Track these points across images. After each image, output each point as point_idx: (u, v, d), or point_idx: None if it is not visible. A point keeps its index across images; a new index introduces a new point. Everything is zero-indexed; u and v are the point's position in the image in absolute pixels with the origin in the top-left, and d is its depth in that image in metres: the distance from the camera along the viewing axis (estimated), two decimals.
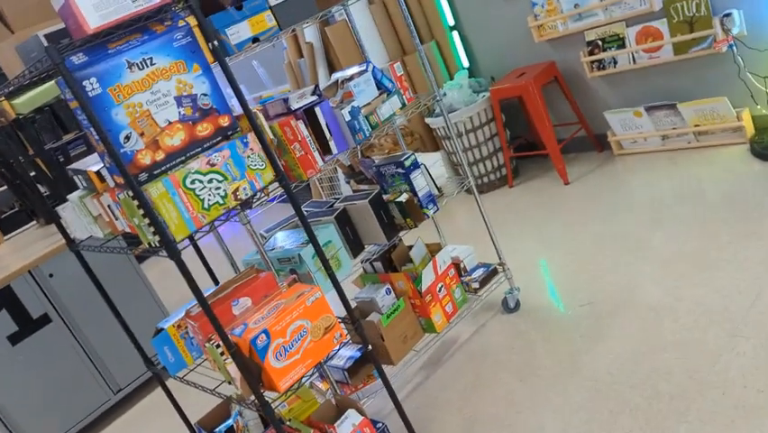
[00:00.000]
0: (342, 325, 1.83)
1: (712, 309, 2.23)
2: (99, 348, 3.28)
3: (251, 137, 1.60)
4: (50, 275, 3.18)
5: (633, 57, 3.40)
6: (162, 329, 1.97)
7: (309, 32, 4.48)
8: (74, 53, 1.37)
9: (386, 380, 1.95)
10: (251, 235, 2.06)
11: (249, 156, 1.59)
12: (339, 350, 1.78)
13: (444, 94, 3.90)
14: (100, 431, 3.28)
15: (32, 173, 3.77)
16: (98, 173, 1.72)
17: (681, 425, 1.85)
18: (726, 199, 2.83)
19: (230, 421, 2.24)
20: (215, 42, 1.56)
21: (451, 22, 4.09)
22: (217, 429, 2.25)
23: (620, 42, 3.41)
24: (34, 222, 5.12)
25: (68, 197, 1.92)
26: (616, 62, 3.48)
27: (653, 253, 2.69)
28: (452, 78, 4.14)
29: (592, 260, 2.84)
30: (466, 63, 4.17)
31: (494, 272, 2.71)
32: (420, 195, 2.39)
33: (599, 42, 3.49)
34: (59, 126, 4.31)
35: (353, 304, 2.59)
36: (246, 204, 1.93)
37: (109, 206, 1.73)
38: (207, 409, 2.27)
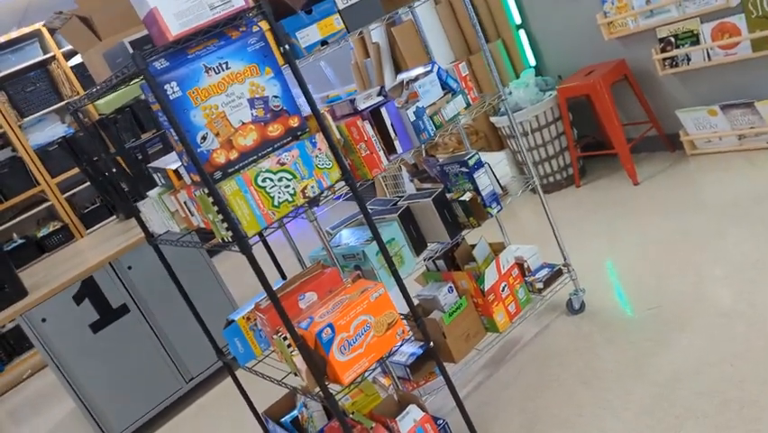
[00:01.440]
0: (405, 321, 1.87)
1: None
2: (173, 338, 3.44)
3: (319, 137, 1.66)
4: (129, 267, 3.35)
5: (708, 54, 3.29)
6: (233, 321, 2.06)
7: (376, 33, 4.54)
8: (156, 59, 1.46)
9: (447, 377, 1.97)
10: (318, 232, 2.13)
11: (317, 156, 1.65)
12: (401, 346, 1.82)
13: (510, 93, 3.88)
14: (172, 418, 3.43)
15: (113, 170, 3.98)
16: (176, 171, 1.81)
17: None
18: None
19: (295, 412, 2.31)
20: (286, 46, 1.62)
21: (518, 20, 4.07)
22: (283, 419, 2.33)
23: (694, 39, 3.31)
24: (114, 217, 5.40)
25: (147, 193, 2.03)
26: (689, 59, 3.38)
27: (725, 256, 2.61)
28: (518, 77, 4.11)
29: (661, 262, 2.78)
30: (533, 62, 4.13)
31: (558, 273, 2.69)
32: (483, 194, 2.40)
33: (672, 39, 3.39)
34: (137, 126, 4.53)
35: (416, 301, 2.62)
36: (313, 201, 2.00)
37: (185, 202, 1.83)
38: (274, 399, 2.36)
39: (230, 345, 2.04)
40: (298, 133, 1.67)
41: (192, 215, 1.85)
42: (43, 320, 3.13)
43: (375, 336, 1.73)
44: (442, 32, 4.22)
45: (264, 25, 1.63)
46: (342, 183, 1.79)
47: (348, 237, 2.34)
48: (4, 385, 5.07)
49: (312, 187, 1.65)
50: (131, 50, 1.63)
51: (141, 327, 3.37)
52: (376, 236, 1.81)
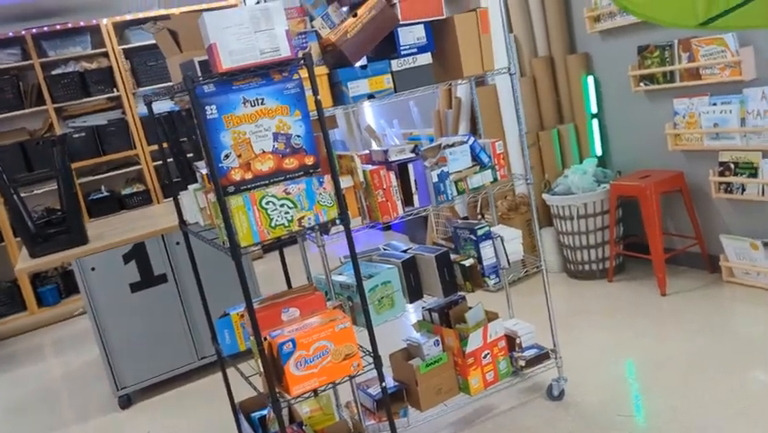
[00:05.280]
0: (366, 357, 2.07)
1: None
2: (198, 316, 3.76)
3: (327, 179, 1.90)
4: (177, 243, 3.72)
5: (763, 189, 3.31)
6: (228, 314, 2.32)
7: (462, 88, 4.78)
8: (205, 83, 1.76)
9: (393, 427, 2.15)
10: (322, 258, 2.36)
11: (320, 193, 1.89)
12: (360, 378, 2.01)
13: (566, 176, 4.00)
14: (177, 388, 3.75)
15: (191, 155, 4.41)
16: (209, 175, 2.10)
17: None
18: None
19: (264, 411, 2.54)
20: (319, 97, 1.88)
21: (594, 109, 4.19)
22: (253, 415, 2.56)
23: (753, 171, 3.33)
24: None
25: (188, 186, 2.34)
26: (744, 189, 3.39)
27: (727, 395, 2.61)
28: (581, 162, 4.22)
29: (654, 377, 2.82)
30: (599, 152, 4.23)
31: (545, 356, 2.79)
32: (485, 264, 2.56)
33: (732, 166, 3.43)
34: None
35: (404, 345, 2.80)
36: (324, 229, 2.24)
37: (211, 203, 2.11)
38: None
39: (219, 334, 2.30)
40: (311, 171, 1.92)
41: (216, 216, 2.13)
42: (93, 269, 3.53)
43: (331, 361, 1.94)
44: (521, 104, 4.39)
45: (304, 73, 1.90)
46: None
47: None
48: (55, 316, 5.62)
49: (309, 218, 1.89)
50: (198, 68, 1.93)
51: (172, 299, 3.72)
52: (357, 276, 2.03)
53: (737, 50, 3.21)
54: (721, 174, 3.49)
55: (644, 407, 2.62)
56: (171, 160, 4.54)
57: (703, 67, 3.39)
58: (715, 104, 3.40)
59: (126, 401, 3.64)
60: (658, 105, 3.77)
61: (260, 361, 1.94)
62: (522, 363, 2.75)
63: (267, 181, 1.86)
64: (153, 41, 6.02)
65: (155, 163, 6.09)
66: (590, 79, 4.13)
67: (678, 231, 3.90)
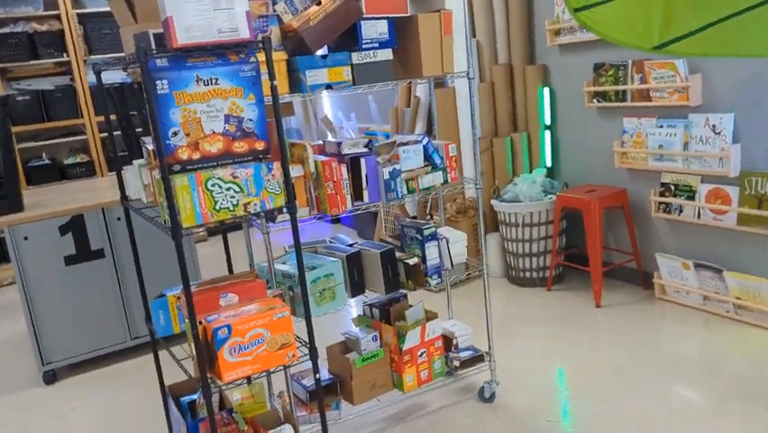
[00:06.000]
0: (302, 348, 2.05)
1: None
2: (133, 295, 3.67)
3: (276, 166, 1.88)
4: (118, 219, 3.61)
5: (699, 211, 3.43)
6: (164, 295, 2.27)
7: (421, 88, 4.80)
8: (158, 57, 1.71)
9: (323, 420, 2.14)
10: (266, 246, 2.34)
11: (269, 180, 1.87)
12: (293, 367, 2.00)
13: (515, 184, 4.07)
14: (106, 366, 3.65)
15: (139, 129, 4.29)
16: (155, 152, 2.05)
17: None
18: (739, 384, 2.81)
19: (194, 396, 2.50)
20: (275, 82, 1.85)
21: (548, 121, 4.27)
22: (183, 399, 2.52)
23: (691, 194, 3.46)
24: None
25: (133, 161, 2.28)
26: (681, 210, 3.52)
27: (649, 407, 2.70)
28: (531, 172, 4.30)
29: (584, 386, 2.90)
30: (549, 163, 4.32)
31: (480, 358, 2.83)
32: (428, 264, 2.58)
33: (672, 187, 3.55)
34: None
35: (342, 338, 2.80)
36: (270, 217, 2.22)
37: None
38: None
39: (154, 315, 2.25)
40: (261, 156, 1.89)
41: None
42: (26, 238, 3.40)
43: (266, 350, 1.92)
44: (477, 109, 4.45)
45: (261, 57, 1.87)
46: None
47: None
48: None
49: (255, 204, 1.87)
50: (152, 41, 1.88)
51: (108, 275, 3.61)
52: (300, 268, 2.01)
53: (687, 76, 3.32)
54: (662, 194, 3.61)
55: (571, 413, 2.69)
56: (119, 133, 4.42)
57: (654, 89, 3.50)
58: (662, 126, 3.51)
59: (51, 377, 3.52)
60: (608, 123, 3.87)
61: (193, 345, 1.90)
62: (457, 363, 2.78)
63: (214, 163, 1.83)
64: (108, 8, 5.83)
65: (102, 135, 5.91)
66: (546, 91, 4.20)
67: (617, 246, 4.02)
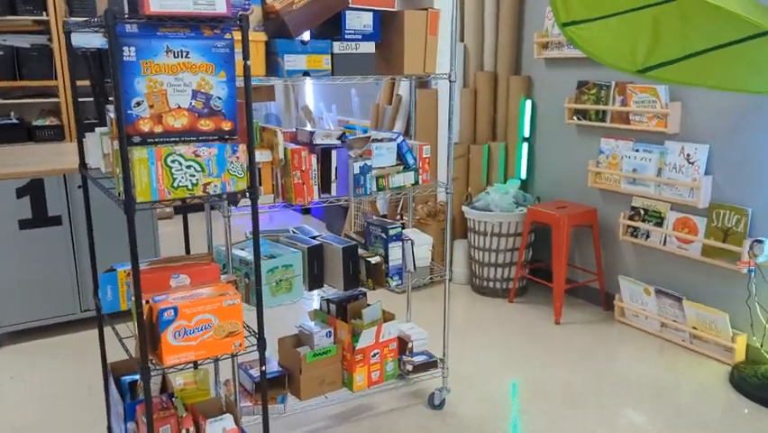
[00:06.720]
0: (251, 338, 1.99)
1: None
2: (87, 267, 3.57)
3: (242, 148, 1.81)
4: (79, 186, 3.50)
5: (665, 238, 3.45)
6: (114, 269, 2.19)
7: (404, 86, 4.75)
8: (128, 22, 1.64)
9: (266, 413, 2.08)
10: (225, 230, 2.27)
11: (232, 162, 1.81)
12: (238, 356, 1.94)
13: (488, 193, 4.05)
14: (52, 337, 3.54)
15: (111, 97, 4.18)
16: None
17: None
18: (686, 413, 2.82)
19: (137, 376, 2.42)
20: (248, 62, 1.79)
21: (526, 133, 4.25)
22: (124, 378, 2.44)
23: (659, 221, 3.47)
24: None
25: (96, 129, 2.19)
26: (648, 236, 3.53)
27: (598, 426, 2.70)
28: (505, 182, 4.28)
29: (534, 401, 2.88)
30: (523, 175, 4.31)
31: (433, 364, 2.80)
32: (391, 264, 2.54)
33: (642, 212, 3.56)
34: None
35: (296, 331, 2.75)
36: (233, 200, 2.15)
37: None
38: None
39: (101, 289, 2.17)
40: (226, 137, 1.83)
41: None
42: None
43: (212, 336, 1.85)
44: (458, 114, 4.42)
45: (238, 35, 1.80)
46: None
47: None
48: None
49: (215, 185, 1.80)
50: (125, 5, 1.80)
51: (63, 244, 3.50)
52: (256, 256, 1.95)
53: (667, 102, 3.33)
54: (631, 218, 3.62)
55: (519, 427, 2.67)
56: (93, 99, 4.30)
57: (633, 113, 3.50)
58: (638, 150, 3.51)
59: None
60: (586, 141, 3.87)
61: (136, 324, 1.83)
62: (409, 367, 2.74)
63: (177, 139, 1.76)
64: None
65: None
66: (528, 103, 4.19)
67: (582, 264, 4.02)
